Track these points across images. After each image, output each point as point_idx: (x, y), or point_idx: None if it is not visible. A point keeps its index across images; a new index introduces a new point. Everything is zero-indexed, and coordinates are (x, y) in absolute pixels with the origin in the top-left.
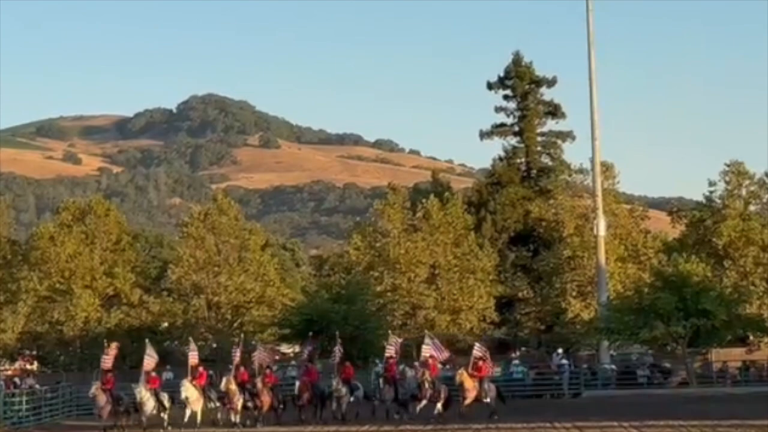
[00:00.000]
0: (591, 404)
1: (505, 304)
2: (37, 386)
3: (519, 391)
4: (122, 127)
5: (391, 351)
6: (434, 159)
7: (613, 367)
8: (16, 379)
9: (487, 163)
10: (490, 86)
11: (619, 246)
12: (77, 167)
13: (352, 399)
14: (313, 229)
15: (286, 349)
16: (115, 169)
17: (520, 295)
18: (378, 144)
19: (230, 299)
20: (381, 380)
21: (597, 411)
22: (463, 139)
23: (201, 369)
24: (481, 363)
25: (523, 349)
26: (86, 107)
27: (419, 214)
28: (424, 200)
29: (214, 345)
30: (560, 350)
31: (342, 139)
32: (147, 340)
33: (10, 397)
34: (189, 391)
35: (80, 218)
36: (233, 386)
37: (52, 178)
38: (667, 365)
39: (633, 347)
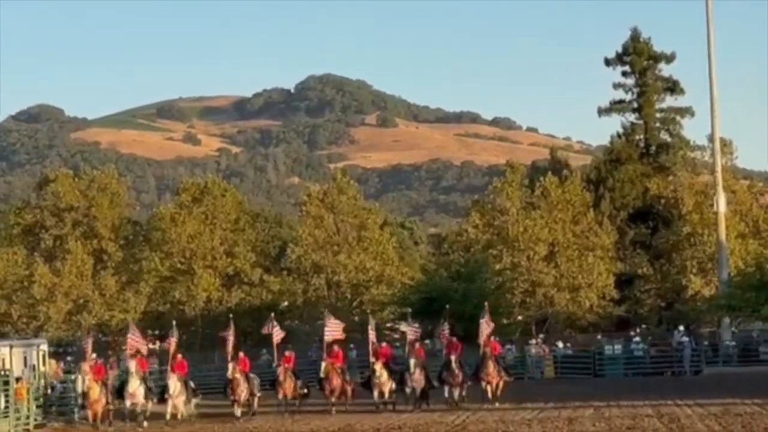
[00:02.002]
0: (712, 382)
1: (624, 282)
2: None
3: (640, 368)
4: (241, 108)
5: (412, 335)
6: (552, 136)
7: (735, 343)
8: (240, 353)
9: (605, 140)
10: (608, 63)
11: (740, 222)
12: (197, 148)
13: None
14: (431, 208)
15: (404, 327)
16: (234, 150)
17: (639, 272)
18: (495, 122)
19: (350, 278)
20: (411, 364)
21: (718, 388)
22: (581, 116)
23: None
24: (494, 340)
25: (643, 326)
26: (205, 88)
27: (537, 192)
28: (542, 178)
29: None
30: (681, 327)
31: (459, 117)
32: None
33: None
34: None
35: (200, 199)
36: (238, 375)
37: (172, 159)
38: None
39: (754, 324)
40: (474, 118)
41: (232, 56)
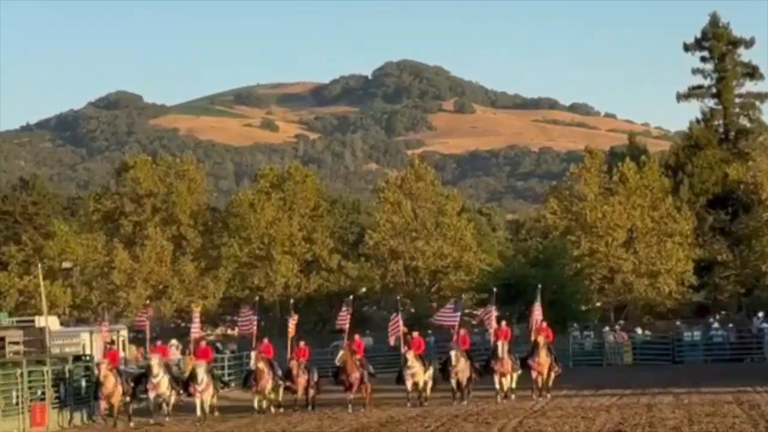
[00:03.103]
0: None
1: (703, 268)
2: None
3: (719, 355)
4: (318, 94)
5: (450, 321)
6: (630, 122)
7: None
8: (219, 345)
9: (684, 126)
10: (687, 48)
11: None
12: (275, 134)
13: (427, 378)
14: (508, 194)
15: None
16: (312, 136)
17: (719, 258)
18: (573, 108)
19: (428, 264)
20: (453, 354)
21: None
22: (660, 102)
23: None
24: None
25: (722, 312)
26: (283, 75)
27: (616, 178)
28: (620, 164)
29: (412, 310)
30: (761, 314)
31: (537, 104)
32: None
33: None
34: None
35: (278, 185)
36: (262, 365)
37: (250, 146)
38: None
39: None
40: (552, 104)
41: (309, 43)
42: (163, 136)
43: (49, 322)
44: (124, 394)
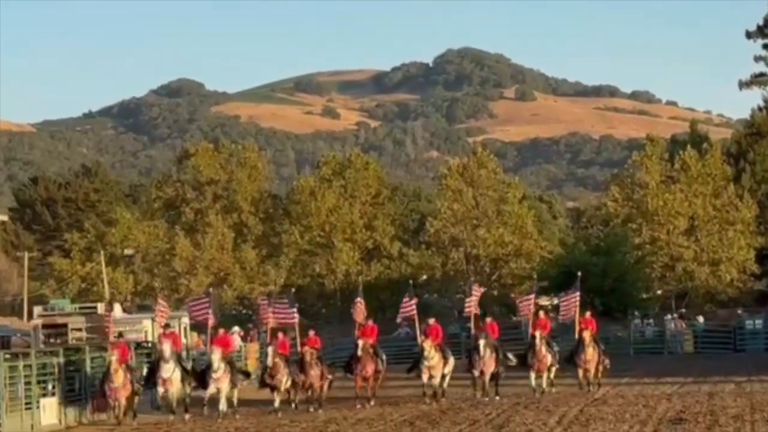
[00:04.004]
0: None
1: (765, 256)
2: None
3: None
4: (379, 82)
5: (471, 307)
6: (692, 110)
7: None
8: (280, 334)
9: (746, 114)
10: (749, 35)
11: None
12: (335, 122)
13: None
14: (569, 181)
15: (544, 301)
16: (373, 124)
17: None
18: (635, 95)
19: (488, 252)
20: (481, 344)
21: None
22: (721, 90)
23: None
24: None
25: None
26: (343, 62)
27: (677, 166)
28: (681, 151)
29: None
30: None
31: (598, 91)
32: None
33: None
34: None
35: (340, 172)
36: (278, 360)
37: (311, 133)
38: None
39: None
40: (613, 92)
41: (370, 30)
42: (225, 124)
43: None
44: (134, 393)
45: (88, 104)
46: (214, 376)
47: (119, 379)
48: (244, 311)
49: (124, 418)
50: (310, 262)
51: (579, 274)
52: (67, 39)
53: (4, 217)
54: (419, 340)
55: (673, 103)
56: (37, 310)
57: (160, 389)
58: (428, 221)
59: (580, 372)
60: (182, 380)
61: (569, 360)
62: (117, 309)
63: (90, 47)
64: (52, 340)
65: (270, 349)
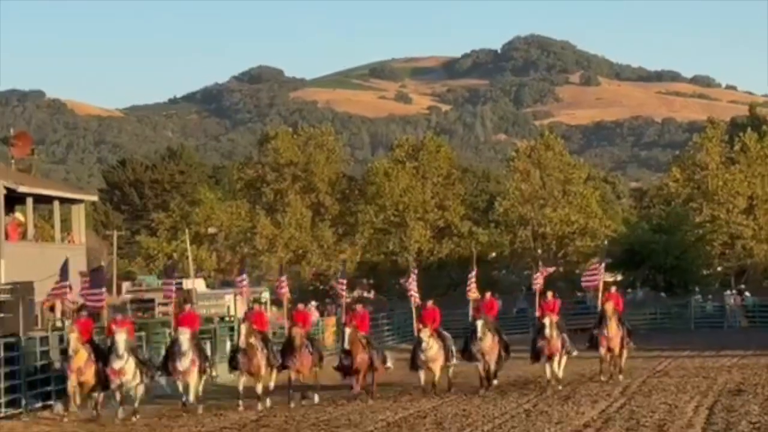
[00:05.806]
0: None
1: None
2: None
3: None
4: (450, 68)
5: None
6: (751, 93)
7: None
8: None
9: None
10: None
11: None
12: (408, 106)
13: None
14: (632, 163)
15: (608, 277)
16: (444, 108)
17: None
18: (695, 80)
19: (555, 231)
20: (479, 326)
21: None
22: None
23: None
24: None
25: None
26: (416, 49)
27: (737, 147)
28: (741, 134)
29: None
30: None
31: (660, 76)
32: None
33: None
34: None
35: (413, 154)
36: (253, 340)
37: (384, 117)
38: None
39: None
40: (674, 77)
41: (441, 18)
42: (303, 108)
43: (196, 284)
44: (98, 374)
45: (174, 90)
46: (179, 360)
47: (81, 359)
48: (321, 287)
49: (82, 405)
50: (384, 240)
51: (606, 242)
52: (153, 29)
53: (95, 198)
54: (416, 328)
55: (733, 87)
56: (126, 285)
57: (113, 383)
58: (497, 201)
59: (602, 350)
60: (136, 372)
61: (590, 339)
62: (200, 285)
63: (175, 37)
64: (139, 314)
65: (243, 327)
